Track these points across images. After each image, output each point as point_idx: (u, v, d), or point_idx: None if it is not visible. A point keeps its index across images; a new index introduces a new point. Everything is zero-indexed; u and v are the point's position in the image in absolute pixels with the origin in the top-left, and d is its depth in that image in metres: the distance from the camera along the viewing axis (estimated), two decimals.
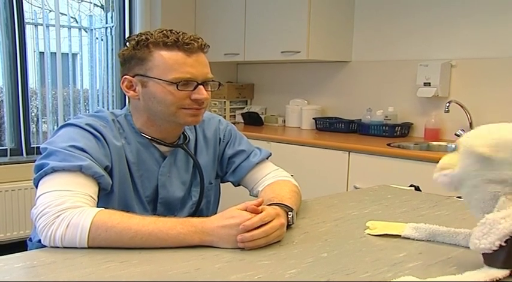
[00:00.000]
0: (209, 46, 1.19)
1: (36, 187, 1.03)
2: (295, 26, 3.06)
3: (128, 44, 1.18)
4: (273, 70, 3.73)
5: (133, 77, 1.17)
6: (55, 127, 3.33)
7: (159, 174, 1.22)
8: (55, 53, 3.22)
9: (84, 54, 3.46)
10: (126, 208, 1.14)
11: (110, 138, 1.14)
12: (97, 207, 1.02)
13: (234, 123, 3.65)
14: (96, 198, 1.04)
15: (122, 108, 1.29)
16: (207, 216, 1.03)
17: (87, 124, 1.13)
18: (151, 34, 1.15)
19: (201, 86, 1.16)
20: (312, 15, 2.99)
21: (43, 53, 3.21)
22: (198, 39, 1.16)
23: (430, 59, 2.78)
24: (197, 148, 1.31)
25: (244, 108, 3.79)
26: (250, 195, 1.36)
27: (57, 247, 0.92)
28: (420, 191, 1.57)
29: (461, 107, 2.66)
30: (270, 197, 1.16)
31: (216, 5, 3.56)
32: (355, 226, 1.11)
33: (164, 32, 1.15)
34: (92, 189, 1.04)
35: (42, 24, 3.17)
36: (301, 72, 3.54)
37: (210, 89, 1.19)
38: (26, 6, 3.06)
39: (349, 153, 2.57)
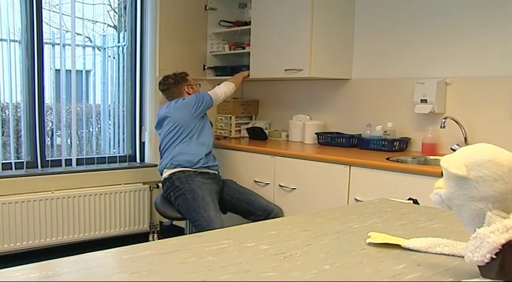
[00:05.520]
0: None
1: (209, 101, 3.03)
2: (298, 46, 3.14)
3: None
4: (277, 87, 3.80)
5: (189, 85, 3.05)
6: (69, 140, 3.45)
7: None
8: (70, 70, 3.34)
9: (97, 71, 3.56)
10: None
11: None
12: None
13: (239, 138, 3.78)
14: None
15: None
16: None
17: None
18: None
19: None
20: (313, 35, 3.08)
21: (59, 70, 3.32)
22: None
23: (426, 77, 2.86)
24: None
25: (249, 123, 3.85)
26: None
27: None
28: (418, 204, 1.59)
29: (457, 122, 2.73)
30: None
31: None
32: (356, 238, 1.12)
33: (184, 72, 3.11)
34: None
35: (59, 44, 3.30)
36: (303, 89, 3.61)
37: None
38: (45, 27, 3.20)
39: (349, 167, 2.62)
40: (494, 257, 0.76)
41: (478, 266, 0.80)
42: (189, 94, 3.07)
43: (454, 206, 0.84)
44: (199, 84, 3.23)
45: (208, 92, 3.07)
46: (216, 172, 3.03)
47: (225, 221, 2.71)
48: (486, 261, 0.77)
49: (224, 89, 3.19)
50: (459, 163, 0.81)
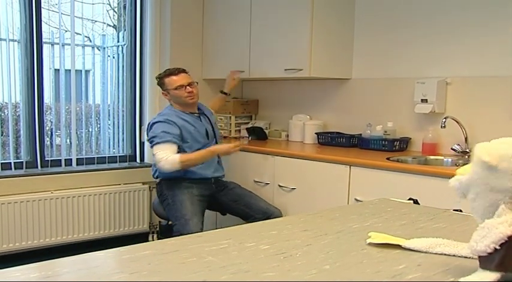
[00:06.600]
0: (186, 70, 2.86)
1: (152, 147, 2.71)
2: (297, 45, 3.15)
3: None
4: (276, 87, 3.81)
5: (164, 90, 2.83)
6: (68, 140, 3.46)
7: (191, 125, 2.80)
8: (69, 70, 3.35)
9: (97, 71, 3.57)
10: (195, 142, 2.77)
11: (175, 120, 2.71)
12: (182, 151, 2.72)
13: (239, 138, 3.78)
14: (177, 150, 2.66)
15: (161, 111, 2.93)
16: None
17: (165, 119, 2.70)
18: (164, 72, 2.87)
19: (188, 86, 2.79)
20: (313, 35, 3.09)
21: (58, 70, 3.33)
22: (181, 68, 2.83)
23: (426, 77, 2.87)
24: (205, 115, 2.93)
25: (249, 123, 3.85)
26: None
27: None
28: (418, 204, 1.58)
29: (457, 122, 2.73)
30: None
31: (223, 25, 3.67)
32: (356, 239, 1.12)
33: (167, 70, 2.85)
34: (175, 148, 2.65)
35: (58, 44, 3.31)
36: (303, 88, 3.62)
37: (194, 86, 2.83)
38: (44, 27, 3.21)
39: (350, 167, 2.63)
40: (498, 248, 0.76)
41: (479, 257, 0.80)
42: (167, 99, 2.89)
43: (471, 193, 0.84)
44: (197, 83, 3.08)
45: (161, 152, 2.64)
46: (210, 177, 2.90)
47: (222, 223, 2.69)
48: (489, 251, 0.77)
49: (178, 160, 2.65)
50: (494, 152, 0.80)
